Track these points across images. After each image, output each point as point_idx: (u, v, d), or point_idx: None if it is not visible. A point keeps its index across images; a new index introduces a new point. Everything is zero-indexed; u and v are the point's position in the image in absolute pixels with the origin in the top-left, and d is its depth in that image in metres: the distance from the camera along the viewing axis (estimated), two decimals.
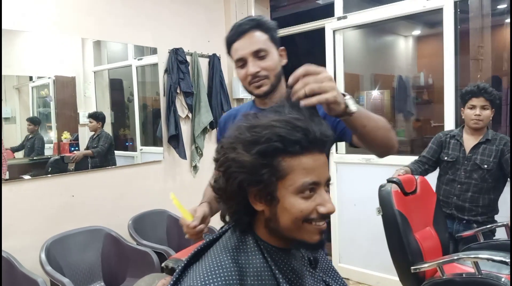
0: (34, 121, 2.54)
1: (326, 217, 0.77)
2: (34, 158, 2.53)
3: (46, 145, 2.62)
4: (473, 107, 2.17)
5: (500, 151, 2.13)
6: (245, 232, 0.82)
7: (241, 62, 1.24)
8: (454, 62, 2.67)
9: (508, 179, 2.18)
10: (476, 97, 2.15)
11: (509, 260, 1.59)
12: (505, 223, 2.15)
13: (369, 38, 4.25)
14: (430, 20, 3.95)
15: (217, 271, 0.75)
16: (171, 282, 0.79)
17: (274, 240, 0.80)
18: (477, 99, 2.14)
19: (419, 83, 4.30)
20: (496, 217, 2.24)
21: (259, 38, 1.24)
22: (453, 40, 2.66)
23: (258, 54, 1.23)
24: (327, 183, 0.79)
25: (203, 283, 0.73)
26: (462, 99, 2.23)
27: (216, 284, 0.72)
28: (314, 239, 0.77)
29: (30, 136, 2.52)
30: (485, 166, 2.13)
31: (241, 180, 0.74)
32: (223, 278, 0.73)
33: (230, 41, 1.26)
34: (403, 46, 4.57)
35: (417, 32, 4.54)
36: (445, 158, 2.25)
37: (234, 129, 0.78)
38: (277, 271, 0.77)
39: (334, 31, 3.21)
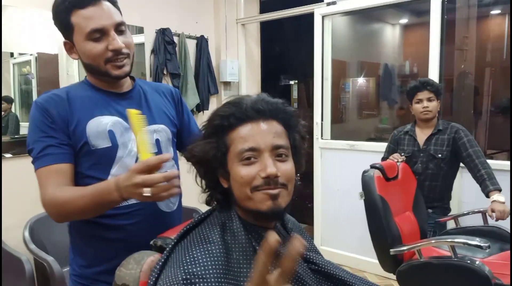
0: (6, 100, 2.46)
1: (271, 182, 0.79)
2: (15, 136, 2.48)
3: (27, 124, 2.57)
4: (419, 101, 2.27)
5: (452, 139, 2.22)
6: (227, 210, 0.86)
7: (98, 34, 1.02)
8: (439, 51, 2.71)
9: (460, 164, 2.29)
10: (420, 91, 2.26)
11: (483, 244, 1.66)
12: (481, 210, 2.24)
13: (357, 25, 4.26)
14: (417, 8, 3.98)
15: (205, 246, 0.78)
16: (163, 259, 0.81)
17: (248, 217, 0.85)
18: (422, 93, 2.25)
19: (404, 72, 4.35)
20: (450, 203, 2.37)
21: (114, 10, 1.07)
22: (439, 29, 2.69)
23: (119, 28, 1.06)
24: (275, 150, 0.81)
25: (191, 257, 0.76)
26: (408, 95, 2.33)
27: (203, 257, 0.76)
28: (267, 205, 0.79)
29: (4, 115, 2.45)
30: (439, 155, 2.23)
31: (202, 161, 0.84)
32: (211, 253, 0.77)
33: (75, 5, 1.02)
34: (390, 34, 4.60)
35: (404, 20, 4.57)
36: (402, 154, 2.33)
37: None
38: (257, 247, 0.81)
39: (323, 17, 3.20)
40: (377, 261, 2.14)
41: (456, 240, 1.80)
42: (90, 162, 1.05)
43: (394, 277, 2.04)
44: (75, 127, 1.03)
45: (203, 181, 0.89)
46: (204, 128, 0.87)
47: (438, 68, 2.71)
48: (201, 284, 0.72)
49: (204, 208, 0.94)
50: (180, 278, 0.73)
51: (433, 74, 2.71)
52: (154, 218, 1.10)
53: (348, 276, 0.93)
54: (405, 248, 1.92)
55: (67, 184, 1.01)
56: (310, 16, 3.27)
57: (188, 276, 0.72)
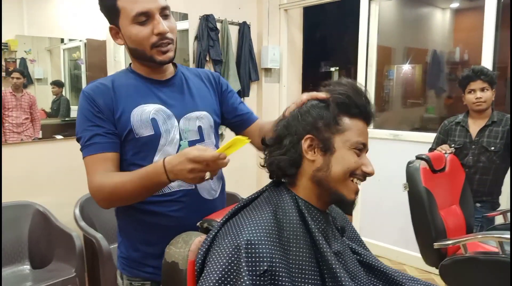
0: (58, 84, 2.57)
1: (365, 177, 0.89)
2: (66, 119, 2.61)
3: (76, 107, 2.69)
4: (472, 91, 2.17)
5: (506, 132, 2.12)
6: (284, 188, 0.89)
7: (144, 17, 1.02)
8: (494, 37, 2.56)
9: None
10: (473, 81, 2.15)
11: None
12: None
13: (405, 9, 4.10)
14: None
15: (260, 222, 0.82)
16: (211, 236, 0.85)
17: (313, 198, 0.88)
18: (475, 83, 2.15)
19: (454, 59, 4.15)
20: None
21: None
22: (495, 14, 2.54)
23: (164, 12, 1.05)
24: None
25: (249, 231, 0.79)
26: (461, 85, 2.23)
27: (259, 233, 0.79)
28: (351, 197, 0.89)
29: (55, 98, 2.57)
30: (492, 148, 2.13)
31: (303, 128, 0.86)
32: (266, 230, 0.80)
33: None
34: (440, 19, 4.39)
35: (455, 4, 4.34)
36: (452, 145, 2.24)
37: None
38: (313, 226, 0.84)
39: (370, 1, 3.10)
40: (417, 254, 2.09)
41: (504, 235, 1.73)
42: (135, 150, 1.06)
43: (435, 271, 2.00)
44: (120, 116, 1.05)
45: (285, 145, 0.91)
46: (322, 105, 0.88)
47: (492, 55, 2.57)
48: (257, 250, 0.75)
49: (243, 193, 0.96)
50: (235, 244, 0.76)
51: (486, 62, 2.57)
52: (197, 205, 1.11)
53: (389, 269, 0.95)
54: (450, 242, 1.87)
55: (113, 172, 1.02)
56: (355, 1, 3.18)
57: (245, 242, 0.76)
